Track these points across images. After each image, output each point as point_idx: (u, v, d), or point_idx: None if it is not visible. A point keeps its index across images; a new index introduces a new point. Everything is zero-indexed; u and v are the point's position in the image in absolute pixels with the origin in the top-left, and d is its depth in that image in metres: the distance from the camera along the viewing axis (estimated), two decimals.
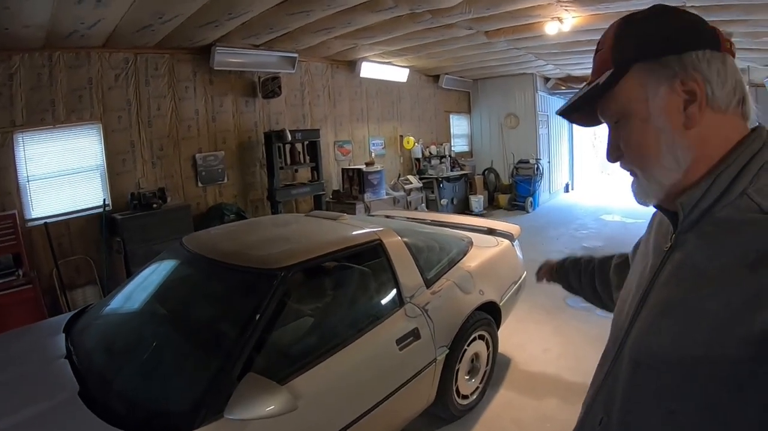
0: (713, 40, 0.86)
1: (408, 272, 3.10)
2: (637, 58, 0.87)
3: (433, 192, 10.18)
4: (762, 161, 0.82)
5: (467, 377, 3.44)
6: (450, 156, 11.02)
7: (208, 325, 2.69)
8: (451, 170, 10.71)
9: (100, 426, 1.91)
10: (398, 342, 2.77)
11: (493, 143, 12.24)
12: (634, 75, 0.87)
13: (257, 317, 2.27)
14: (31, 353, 2.67)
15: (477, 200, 10.89)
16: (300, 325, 2.76)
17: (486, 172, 12.00)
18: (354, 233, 3.19)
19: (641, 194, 0.94)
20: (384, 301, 2.99)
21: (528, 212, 10.91)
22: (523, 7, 5.44)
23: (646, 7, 0.90)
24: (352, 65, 8.73)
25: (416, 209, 9.22)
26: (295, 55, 7.27)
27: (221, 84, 7.00)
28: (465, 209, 10.72)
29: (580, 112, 1.00)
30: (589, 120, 1.02)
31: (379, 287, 3.06)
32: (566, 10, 5.59)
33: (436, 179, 10.20)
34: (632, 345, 0.91)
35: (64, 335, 2.82)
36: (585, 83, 0.96)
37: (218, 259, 2.80)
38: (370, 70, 8.86)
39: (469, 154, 12.55)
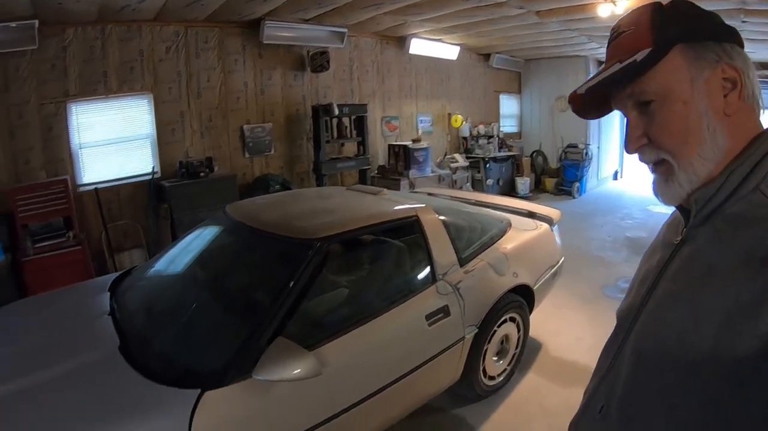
0: (736, 36, 0.86)
1: (442, 250, 3.12)
2: (681, 38, 0.84)
3: (479, 172, 10.07)
4: None
5: (495, 358, 3.46)
6: (498, 136, 10.85)
7: (244, 290, 2.81)
8: (499, 151, 10.55)
9: (137, 378, 2.06)
10: (428, 317, 2.81)
11: (542, 126, 12.00)
12: (676, 54, 0.84)
13: (291, 284, 2.35)
14: (77, 309, 2.85)
15: (523, 183, 10.73)
16: (332, 295, 2.83)
17: (534, 154, 11.80)
18: (392, 208, 3.22)
19: (671, 191, 0.89)
20: (417, 277, 3.04)
21: (574, 197, 10.69)
22: None
23: None
24: (402, 41, 8.66)
25: (461, 188, 9.18)
26: (345, 30, 7.27)
27: (270, 58, 7.09)
28: (511, 190, 10.56)
29: (595, 96, 0.94)
30: (597, 108, 0.99)
31: (413, 262, 3.11)
32: None
33: (483, 159, 10.08)
34: (637, 337, 0.91)
35: (108, 293, 2.98)
36: (607, 65, 0.91)
37: (258, 227, 2.89)
38: (419, 46, 8.77)
39: (518, 135, 12.34)
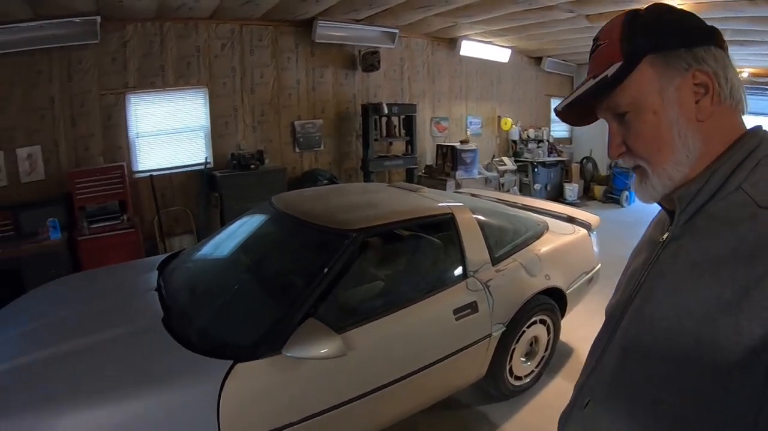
0: (715, 37, 0.88)
1: (475, 248, 3.19)
2: (649, 49, 0.87)
3: (527, 176, 10.02)
4: (758, 158, 0.84)
5: (523, 359, 3.50)
6: (548, 141, 10.78)
7: (282, 275, 2.97)
8: (548, 156, 10.46)
9: (176, 346, 2.26)
10: (455, 311, 2.89)
11: (594, 132, 11.72)
12: (646, 67, 0.87)
13: (325, 271, 2.49)
14: (127, 284, 3.12)
15: (571, 189, 10.58)
16: (365, 284, 2.96)
17: (584, 160, 11.60)
18: (429, 205, 3.32)
19: (646, 192, 0.93)
20: (448, 272, 3.12)
21: (623, 206, 10.46)
22: None
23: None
24: (453, 43, 8.73)
25: (508, 191, 9.15)
26: (396, 30, 7.41)
27: (322, 56, 7.29)
28: (559, 196, 10.41)
29: (579, 107, 0.97)
30: (583, 118, 1.02)
31: (445, 258, 3.20)
32: None
33: (531, 163, 10.01)
34: (623, 334, 0.94)
35: (157, 272, 3.22)
36: (585, 79, 0.95)
37: (300, 217, 3.06)
38: (470, 48, 8.81)
39: (568, 140, 12.18)
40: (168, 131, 6.20)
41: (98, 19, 5.19)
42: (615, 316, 0.98)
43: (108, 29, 5.47)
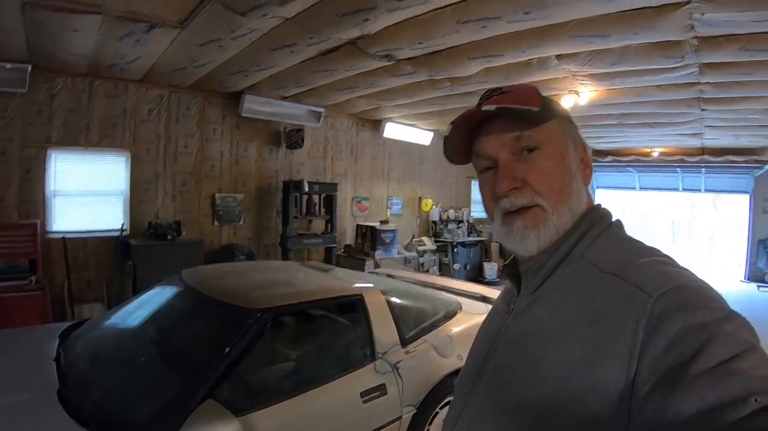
0: None
1: (384, 330, 3.17)
2: (557, 115, 0.97)
3: (447, 256, 10.20)
4: (599, 231, 0.93)
5: None
6: (468, 221, 11.10)
7: (184, 351, 2.86)
8: (468, 236, 10.74)
9: (66, 421, 2.15)
10: (363, 394, 2.83)
11: None
12: (556, 124, 0.96)
13: (227, 350, 2.42)
14: (27, 350, 2.98)
15: (491, 268, 10.82)
16: (271, 364, 2.88)
17: None
18: (338, 286, 3.34)
19: (541, 236, 0.91)
20: (356, 353, 3.07)
21: None
22: (539, 80, 5.53)
23: None
24: (377, 124, 9.01)
25: (428, 271, 9.23)
26: (321, 109, 7.58)
27: (247, 130, 7.33)
28: (478, 275, 10.63)
29: (461, 138, 0.99)
30: (459, 152, 1.02)
31: (354, 339, 3.15)
32: (582, 84, 5.69)
33: (451, 243, 10.22)
34: (476, 402, 0.94)
35: (58, 340, 3.07)
36: (485, 104, 0.95)
37: (206, 293, 3.01)
38: (394, 130, 9.11)
39: (488, 221, 12.52)
40: (86, 193, 5.98)
41: (29, 67, 5.06)
42: (467, 386, 0.99)
43: (37, 79, 5.32)
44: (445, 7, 3.78)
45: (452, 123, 0.98)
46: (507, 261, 1.09)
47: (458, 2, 3.70)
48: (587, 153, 0.99)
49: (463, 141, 1.00)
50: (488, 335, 1.02)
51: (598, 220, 0.94)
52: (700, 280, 0.79)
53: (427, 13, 3.89)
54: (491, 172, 0.96)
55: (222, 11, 3.74)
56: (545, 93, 1.00)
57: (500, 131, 0.93)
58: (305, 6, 3.71)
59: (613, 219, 0.98)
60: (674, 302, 0.73)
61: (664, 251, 0.89)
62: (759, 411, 0.60)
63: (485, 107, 0.93)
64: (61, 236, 5.64)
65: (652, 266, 0.82)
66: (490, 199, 0.97)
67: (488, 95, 0.99)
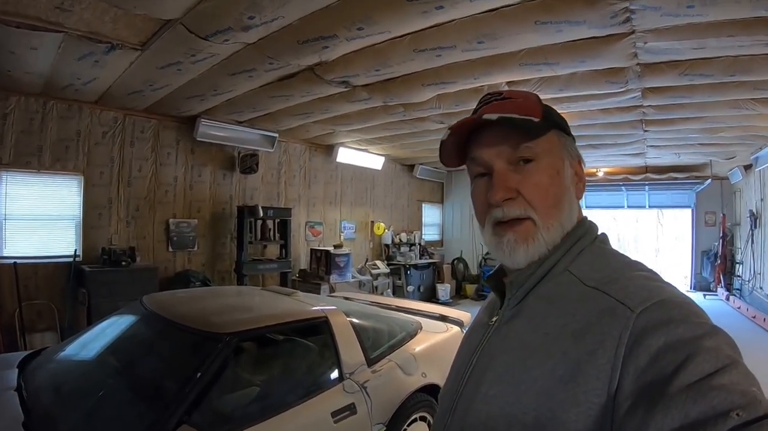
0: None
1: (350, 351, 3.21)
2: (557, 126, 0.97)
3: (400, 278, 10.30)
4: (583, 245, 0.94)
5: None
6: (420, 244, 11.26)
7: (152, 378, 2.81)
8: (420, 258, 10.90)
9: None
10: (333, 414, 2.85)
11: (463, 234, 12.54)
12: (555, 135, 0.96)
13: (197, 376, 2.40)
14: None
15: (444, 289, 11.00)
16: (241, 389, 2.85)
17: (455, 261, 12.19)
18: (303, 309, 3.35)
19: (531, 249, 0.92)
20: (324, 375, 3.09)
21: None
22: None
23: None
24: (330, 149, 9.09)
25: (382, 293, 9.29)
26: (276, 134, 7.62)
27: (202, 155, 7.28)
28: (432, 296, 10.77)
29: (457, 141, 0.99)
30: (453, 156, 1.02)
31: (321, 361, 3.17)
32: None
33: (404, 265, 10.34)
34: (460, 416, 0.92)
35: (17, 370, 2.96)
36: (485, 112, 0.94)
37: (172, 319, 2.96)
38: (346, 155, 9.22)
39: (440, 243, 12.82)
40: (38, 217, 5.76)
41: None
42: (452, 400, 0.97)
43: None
44: (404, 36, 3.94)
45: (450, 129, 0.96)
46: (492, 272, 1.08)
47: (416, 32, 3.86)
48: (581, 166, 1.00)
49: (458, 145, 1.00)
50: (471, 346, 1.00)
51: (583, 234, 0.96)
52: (683, 295, 0.80)
53: (384, 41, 4.03)
54: (485, 179, 0.96)
55: (185, 35, 3.78)
56: None
57: (498, 139, 0.93)
58: (268, 32, 3.79)
59: (599, 233, 0.99)
60: (656, 318, 0.74)
61: (648, 266, 0.91)
62: (741, 426, 0.60)
63: (486, 115, 0.91)
64: (12, 261, 5.41)
65: (635, 281, 0.83)
66: (482, 206, 0.97)
67: (488, 100, 0.99)
